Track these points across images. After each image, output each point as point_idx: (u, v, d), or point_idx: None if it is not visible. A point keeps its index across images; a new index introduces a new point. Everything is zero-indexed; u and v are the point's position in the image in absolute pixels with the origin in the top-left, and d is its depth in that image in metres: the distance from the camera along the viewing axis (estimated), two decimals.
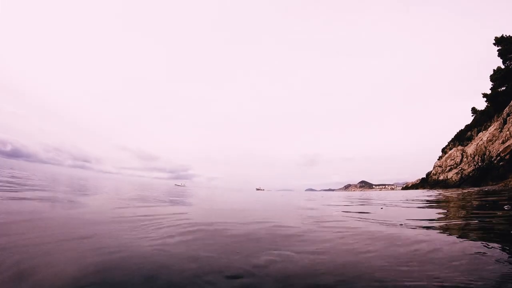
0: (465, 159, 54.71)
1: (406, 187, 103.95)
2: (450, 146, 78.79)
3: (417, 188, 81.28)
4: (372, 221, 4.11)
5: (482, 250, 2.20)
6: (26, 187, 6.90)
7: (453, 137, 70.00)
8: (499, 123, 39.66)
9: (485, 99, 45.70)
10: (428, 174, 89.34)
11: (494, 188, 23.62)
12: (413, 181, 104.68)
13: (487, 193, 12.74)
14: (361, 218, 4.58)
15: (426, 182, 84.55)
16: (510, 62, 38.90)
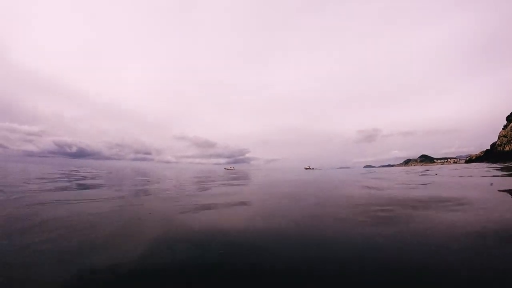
0: None
1: (470, 160, 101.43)
2: None
3: (481, 161, 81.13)
4: None
5: None
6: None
7: None
8: None
9: None
10: (493, 145, 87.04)
11: None
12: (477, 153, 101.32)
13: None
14: None
15: (490, 154, 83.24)
16: None
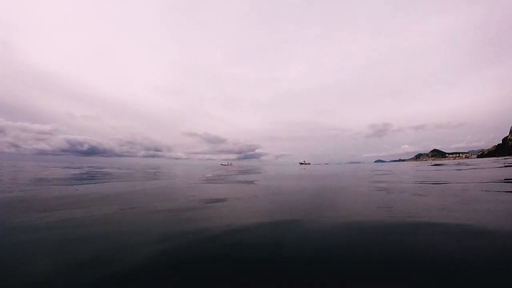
0: None
1: (482, 155, 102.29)
2: None
3: (493, 156, 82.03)
4: None
5: None
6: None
7: None
8: None
9: None
10: (505, 140, 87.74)
11: None
12: (489, 147, 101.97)
13: None
14: None
15: (503, 149, 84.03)
16: None
